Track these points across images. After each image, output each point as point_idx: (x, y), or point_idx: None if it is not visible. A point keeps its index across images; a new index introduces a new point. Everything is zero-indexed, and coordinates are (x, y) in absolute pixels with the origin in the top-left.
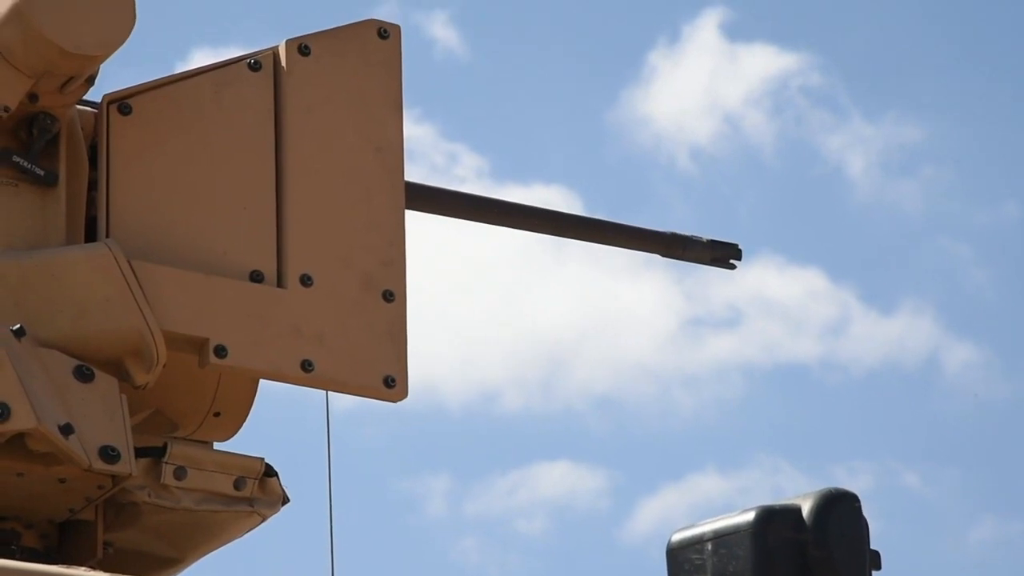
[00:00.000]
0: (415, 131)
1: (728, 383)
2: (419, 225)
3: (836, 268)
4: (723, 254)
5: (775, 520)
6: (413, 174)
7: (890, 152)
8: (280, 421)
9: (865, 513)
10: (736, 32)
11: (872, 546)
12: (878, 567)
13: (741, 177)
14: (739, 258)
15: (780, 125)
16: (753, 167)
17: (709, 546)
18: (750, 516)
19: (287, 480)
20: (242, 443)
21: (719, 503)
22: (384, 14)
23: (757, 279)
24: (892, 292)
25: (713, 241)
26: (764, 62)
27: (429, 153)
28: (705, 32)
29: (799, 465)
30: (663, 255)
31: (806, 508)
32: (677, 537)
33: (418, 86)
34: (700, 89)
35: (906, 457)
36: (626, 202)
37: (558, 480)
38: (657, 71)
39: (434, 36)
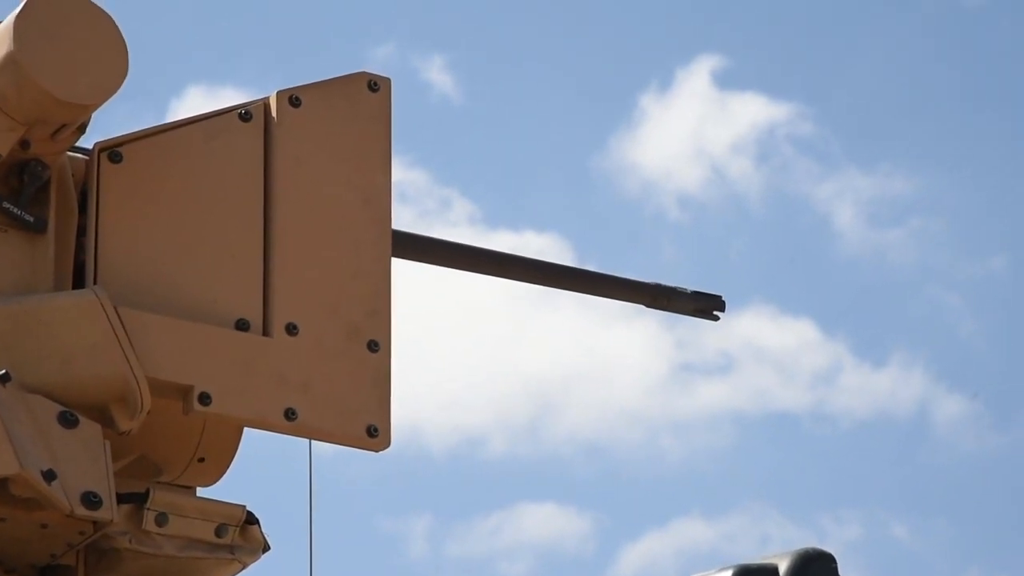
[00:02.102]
0: (409, 176)
1: (717, 431)
2: (408, 267)
3: (827, 318)
4: (707, 305)
5: None
6: (406, 218)
7: (878, 203)
8: (263, 464)
9: (852, 563)
10: (728, 80)
11: None
12: None
13: (730, 225)
14: (722, 310)
15: (769, 174)
16: (741, 215)
17: None
18: (727, 575)
19: (269, 523)
20: (225, 486)
21: (704, 549)
22: (382, 56)
23: (749, 327)
24: (883, 343)
25: (697, 293)
26: (754, 111)
27: (422, 198)
28: (697, 78)
29: (787, 513)
30: (648, 305)
31: (783, 567)
32: None
33: (413, 131)
34: (689, 135)
35: (895, 508)
36: (617, 249)
37: (542, 522)
38: (647, 115)
39: (430, 80)
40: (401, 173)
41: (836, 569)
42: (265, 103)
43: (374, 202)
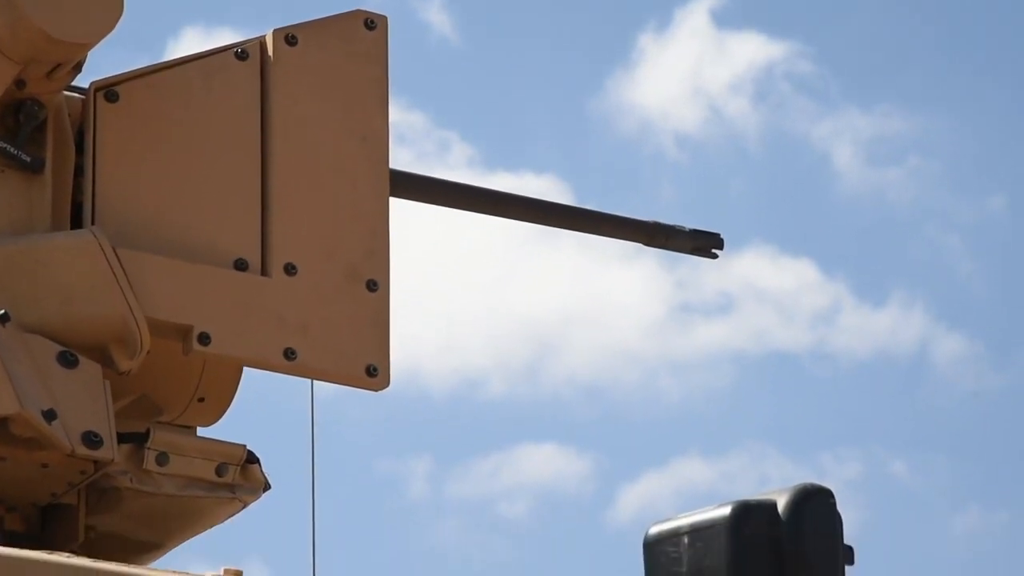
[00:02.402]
0: (407, 118)
1: (717, 371)
2: (406, 210)
3: (827, 259)
4: (705, 243)
5: (750, 515)
6: (404, 160)
7: (877, 142)
8: (264, 405)
9: (851, 501)
10: (727, 19)
11: (853, 536)
12: (851, 562)
13: (729, 165)
14: (721, 247)
15: (767, 113)
16: (740, 155)
17: (685, 539)
18: (726, 511)
19: (270, 464)
20: (226, 428)
21: (703, 489)
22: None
23: (749, 268)
24: (882, 283)
25: (695, 230)
26: (753, 50)
27: (421, 140)
28: (696, 17)
29: (786, 452)
30: (646, 244)
31: (781, 503)
32: (654, 530)
33: (412, 73)
34: (687, 75)
35: (894, 445)
36: (616, 190)
37: (541, 463)
38: (645, 55)
39: (429, 21)
40: (399, 115)
41: (834, 504)
42: (261, 42)
43: (371, 141)
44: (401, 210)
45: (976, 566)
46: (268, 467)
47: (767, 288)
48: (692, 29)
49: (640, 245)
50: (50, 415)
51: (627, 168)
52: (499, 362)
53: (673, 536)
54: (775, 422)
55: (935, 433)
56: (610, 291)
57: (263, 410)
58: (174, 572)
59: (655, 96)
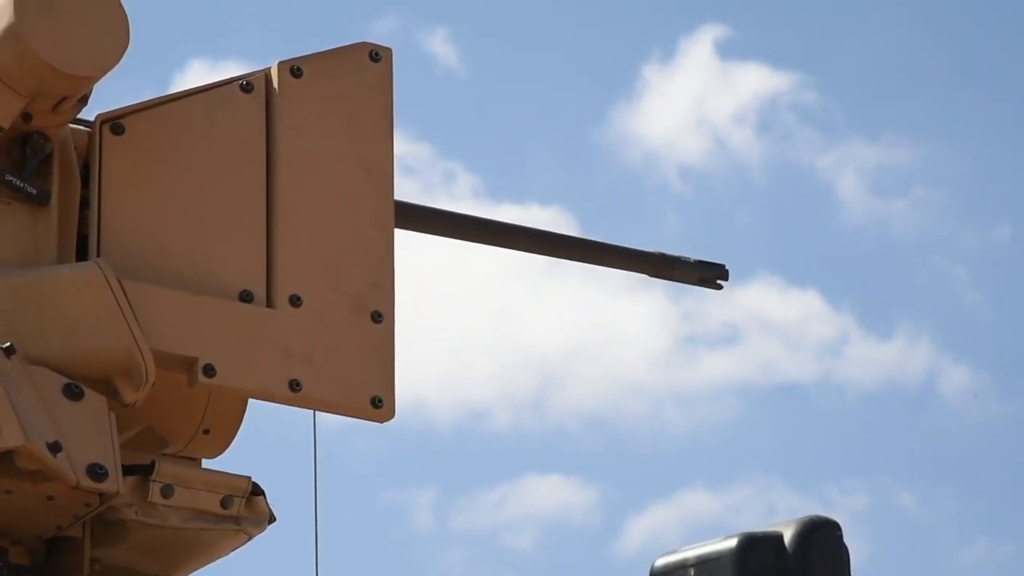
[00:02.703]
0: (413, 149)
1: (723, 403)
2: (411, 242)
3: (833, 290)
4: (710, 275)
5: (757, 547)
6: (409, 192)
7: (881, 172)
8: (268, 436)
9: (858, 532)
10: (731, 50)
11: (860, 569)
12: None
13: (733, 196)
14: (726, 279)
15: (771, 144)
16: (744, 186)
17: (692, 572)
18: (732, 543)
19: (275, 495)
20: (230, 460)
21: (709, 521)
22: (385, 28)
23: (755, 299)
24: (889, 314)
25: (700, 262)
26: (757, 80)
27: (426, 172)
28: (701, 47)
29: (792, 484)
30: (652, 275)
31: (788, 535)
32: (661, 562)
33: (417, 104)
34: (691, 106)
35: (901, 477)
36: (622, 222)
37: (547, 495)
38: (650, 86)
39: (433, 52)
40: (405, 147)
41: (841, 536)
42: (266, 74)
43: (376, 173)
44: (407, 242)
45: None
46: (273, 499)
47: (773, 319)
48: (696, 60)
49: (646, 277)
50: (55, 447)
51: (632, 199)
52: (504, 393)
53: (680, 568)
54: (781, 454)
55: (942, 464)
56: (616, 323)
57: (267, 441)
58: None
59: (659, 127)
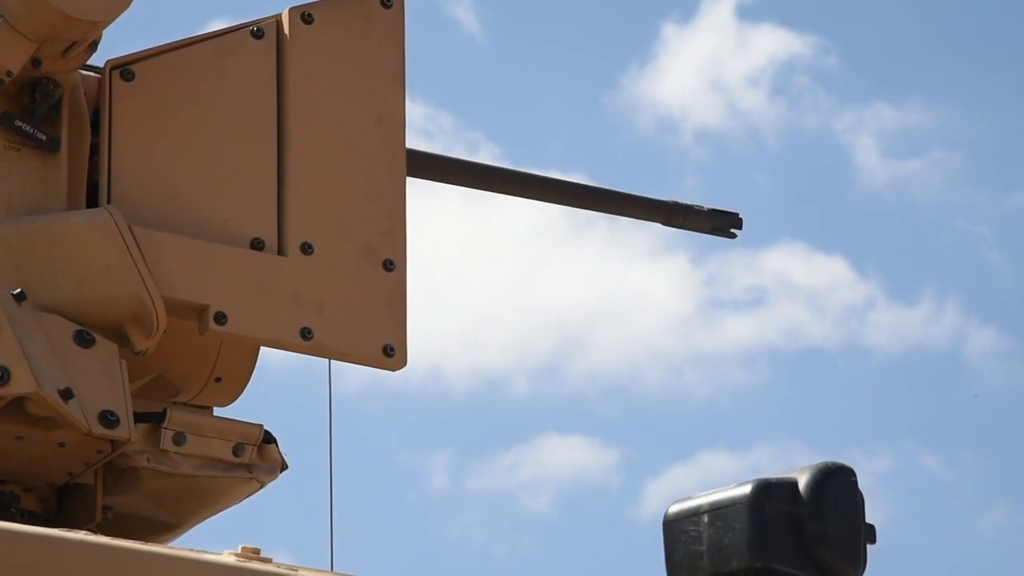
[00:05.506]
0: (436, 118)
1: (746, 367)
2: (428, 206)
3: (857, 255)
4: (724, 223)
5: (771, 493)
6: None
7: (898, 136)
8: (286, 394)
9: (880, 494)
10: (750, 12)
11: (881, 530)
12: (873, 541)
13: (751, 160)
14: (739, 227)
15: (787, 107)
16: (761, 149)
17: (706, 518)
18: (746, 489)
19: (292, 450)
20: (243, 408)
21: (729, 480)
22: None
23: (778, 264)
24: (914, 279)
25: (714, 210)
26: (775, 43)
27: (448, 141)
28: (722, 9)
29: (815, 447)
30: (664, 223)
31: (802, 481)
32: (674, 509)
33: (439, 73)
34: (710, 68)
35: (925, 440)
36: (644, 188)
37: (567, 456)
38: (668, 47)
39: (456, 17)
40: (430, 114)
41: (856, 482)
42: (277, 20)
43: (387, 121)
44: (425, 207)
45: (1002, 563)
46: (288, 452)
47: (797, 283)
48: (715, 22)
49: (668, 238)
50: (67, 394)
51: (651, 163)
52: (524, 358)
53: (693, 515)
54: (804, 418)
55: (967, 428)
56: (637, 287)
57: (283, 395)
58: (192, 550)
59: (677, 89)
